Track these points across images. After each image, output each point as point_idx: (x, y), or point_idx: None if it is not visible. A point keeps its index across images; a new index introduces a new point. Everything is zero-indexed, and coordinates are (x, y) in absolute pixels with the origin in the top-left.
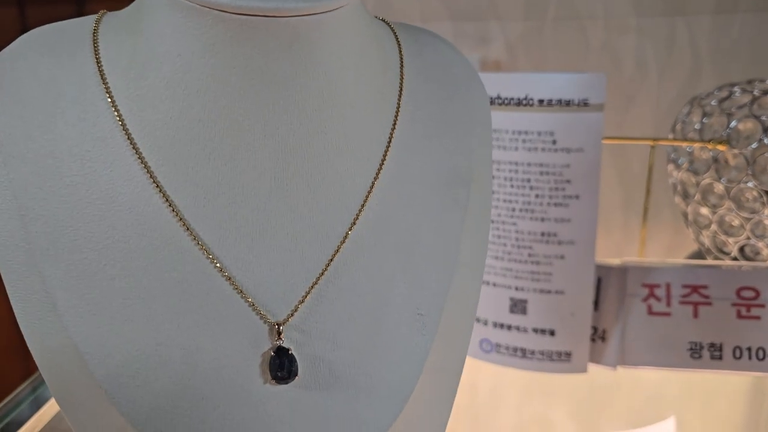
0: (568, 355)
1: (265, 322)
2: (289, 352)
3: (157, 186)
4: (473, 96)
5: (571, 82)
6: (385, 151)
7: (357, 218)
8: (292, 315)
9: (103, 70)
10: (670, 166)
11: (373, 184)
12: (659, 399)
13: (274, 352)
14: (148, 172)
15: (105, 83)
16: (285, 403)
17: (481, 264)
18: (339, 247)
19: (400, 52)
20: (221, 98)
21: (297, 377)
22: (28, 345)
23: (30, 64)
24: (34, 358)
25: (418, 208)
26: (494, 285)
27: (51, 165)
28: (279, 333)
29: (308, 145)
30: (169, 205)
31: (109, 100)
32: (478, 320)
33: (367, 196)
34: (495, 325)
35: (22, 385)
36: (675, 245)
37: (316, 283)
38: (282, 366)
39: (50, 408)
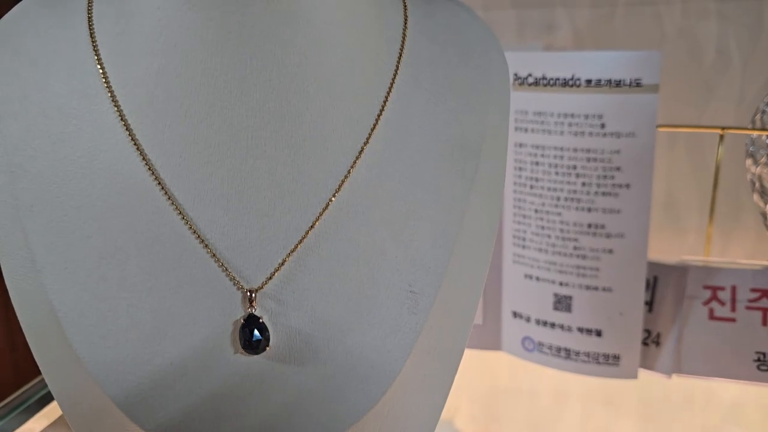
0: (617, 358)
1: (238, 288)
2: (260, 320)
3: (135, 144)
4: (490, 62)
5: (622, 61)
6: (379, 115)
7: (342, 184)
8: (266, 282)
9: (93, 26)
10: (749, 161)
11: (362, 148)
12: (736, 417)
13: (244, 320)
14: (127, 129)
15: (93, 39)
16: (256, 375)
17: (489, 243)
18: (321, 214)
19: (405, 11)
20: (198, 53)
21: (268, 348)
22: (13, 304)
23: (32, 22)
24: (17, 315)
25: (416, 177)
26: (537, 279)
27: (41, 123)
28: (251, 300)
29: (288, 103)
30: (146, 164)
31: (95, 57)
32: (520, 316)
33: (355, 161)
34: (538, 322)
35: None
36: (760, 251)
37: (294, 250)
38: (251, 336)
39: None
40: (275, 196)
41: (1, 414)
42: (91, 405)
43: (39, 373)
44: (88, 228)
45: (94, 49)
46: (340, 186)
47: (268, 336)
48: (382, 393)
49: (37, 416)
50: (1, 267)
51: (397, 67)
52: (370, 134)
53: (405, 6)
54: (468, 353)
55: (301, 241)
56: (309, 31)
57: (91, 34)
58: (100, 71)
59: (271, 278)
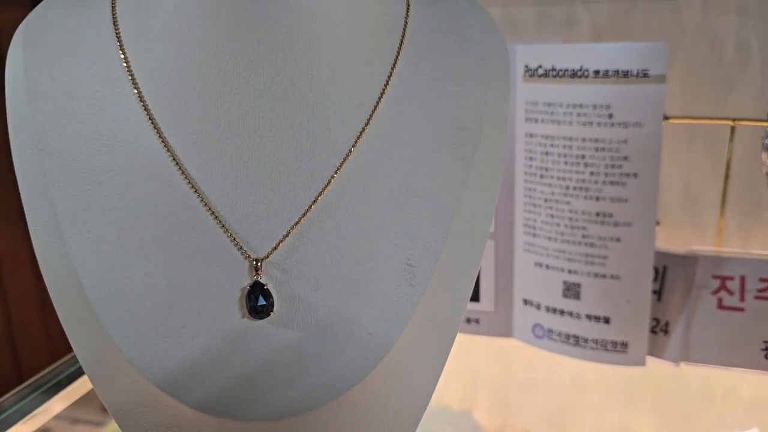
0: (625, 345)
1: (245, 257)
2: (265, 287)
3: (153, 123)
4: (489, 50)
5: (630, 52)
6: (379, 98)
7: (344, 162)
8: (272, 252)
9: (116, 13)
10: (764, 155)
11: (363, 129)
12: (755, 407)
13: (250, 287)
14: (145, 110)
15: (116, 26)
16: (261, 339)
17: (486, 223)
18: (323, 190)
19: (408, 1)
20: (210, 37)
21: (273, 314)
22: (42, 272)
23: (59, 13)
24: (45, 281)
25: (415, 158)
26: (547, 267)
27: (68, 104)
28: (257, 269)
29: (293, 86)
30: (162, 142)
31: (118, 43)
32: (530, 304)
33: (356, 141)
34: (548, 309)
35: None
36: None
37: (297, 222)
38: (256, 301)
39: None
40: (280, 172)
41: (24, 394)
42: (109, 364)
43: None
44: (109, 201)
45: (116, 36)
46: (341, 164)
47: (272, 302)
48: (380, 359)
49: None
50: (33, 239)
51: (398, 53)
52: (370, 116)
53: None
54: (485, 344)
55: (304, 215)
56: (313, 18)
57: (114, 21)
58: (122, 56)
59: (276, 248)
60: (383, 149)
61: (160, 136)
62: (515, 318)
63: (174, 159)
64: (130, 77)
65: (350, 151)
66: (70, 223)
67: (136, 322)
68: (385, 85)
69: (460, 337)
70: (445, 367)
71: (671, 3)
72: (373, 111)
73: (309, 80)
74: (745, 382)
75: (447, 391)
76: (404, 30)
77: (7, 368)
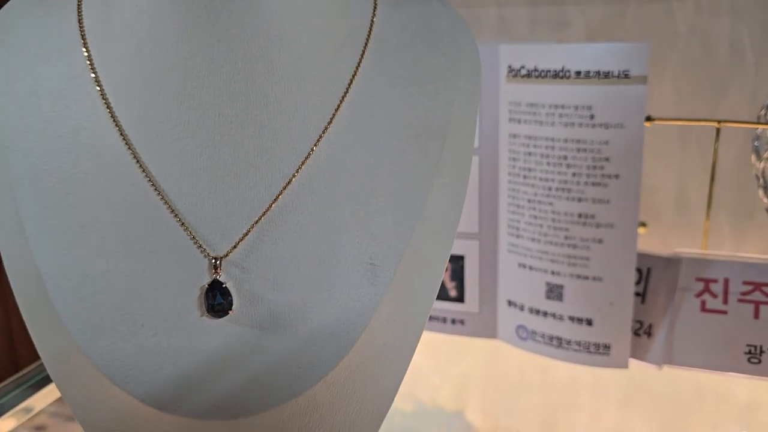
0: (607, 347)
1: (205, 256)
2: (224, 285)
3: (115, 122)
4: (459, 50)
5: (611, 52)
6: (343, 97)
7: (305, 161)
8: (231, 251)
9: (81, 13)
10: (753, 157)
11: (326, 128)
12: (751, 411)
13: (208, 285)
14: (108, 108)
15: (81, 26)
16: (220, 337)
17: (453, 223)
18: (284, 189)
19: (376, 0)
20: (169, 36)
21: (232, 312)
22: (6, 268)
23: (23, 11)
24: (8, 278)
25: (379, 157)
26: (530, 268)
27: (32, 102)
28: (216, 267)
29: (254, 84)
30: (124, 140)
31: (82, 41)
32: (514, 305)
33: (318, 140)
34: (531, 310)
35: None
36: None
37: (257, 221)
38: (214, 300)
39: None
40: (241, 170)
41: (5, 391)
42: (69, 361)
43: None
44: (71, 198)
45: (81, 35)
46: (302, 163)
47: (231, 301)
48: (340, 358)
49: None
50: None
51: (363, 52)
52: (333, 115)
53: None
54: (477, 345)
55: (264, 214)
56: (273, 16)
57: (79, 20)
58: (86, 54)
59: (235, 247)
60: (346, 148)
61: (122, 135)
62: (499, 319)
63: (135, 157)
64: (93, 76)
65: (312, 150)
66: (33, 221)
67: (95, 319)
68: (349, 84)
69: (452, 339)
70: (438, 368)
71: (664, 4)
72: (337, 109)
73: (269, 78)
74: (735, 385)
75: (440, 391)
76: (370, 29)
77: (3, 359)
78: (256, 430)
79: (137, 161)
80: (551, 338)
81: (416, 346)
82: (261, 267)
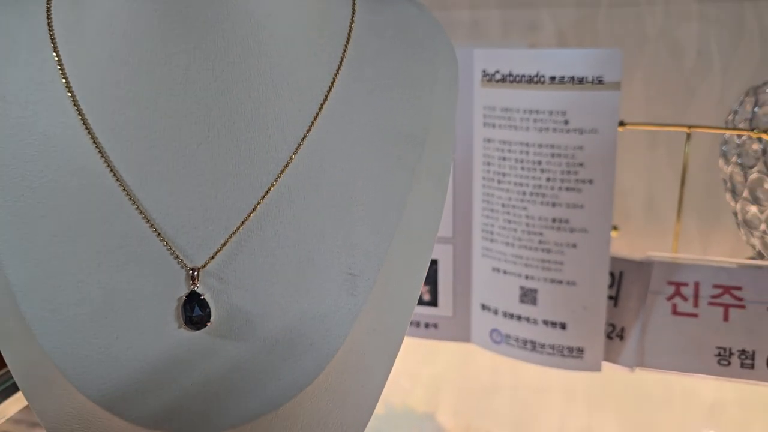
0: (581, 351)
1: (182, 266)
2: (201, 297)
3: (87, 128)
4: (436, 56)
5: (585, 58)
6: (321, 104)
7: (284, 170)
8: (209, 262)
9: (51, 16)
10: (721, 161)
11: (304, 136)
12: (716, 410)
13: (186, 297)
14: (80, 114)
15: (50, 29)
16: (198, 350)
17: (432, 230)
18: (262, 198)
19: (354, 6)
20: (145, 42)
21: (210, 324)
22: None
23: None
24: None
25: (356, 165)
26: (504, 272)
27: (0, 108)
28: (194, 278)
29: (230, 92)
30: (97, 147)
31: (52, 45)
32: (488, 309)
33: (296, 149)
34: (505, 314)
35: None
36: (738, 251)
37: (236, 231)
38: (193, 311)
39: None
40: (217, 179)
41: None
42: (41, 376)
43: None
44: (42, 208)
45: (51, 38)
46: (281, 172)
47: (209, 312)
48: (320, 369)
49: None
50: None
51: (342, 59)
52: (312, 123)
53: (354, 2)
54: (449, 348)
55: (242, 223)
56: (250, 23)
57: (49, 23)
58: (56, 59)
59: (213, 257)
60: (324, 156)
61: (94, 142)
62: (473, 323)
63: (108, 165)
64: (64, 80)
65: (291, 158)
66: (1, 231)
67: (69, 333)
68: (328, 91)
69: (423, 342)
70: (409, 371)
71: (634, 9)
72: (315, 117)
73: (247, 86)
74: (703, 386)
75: (412, 394)
76: (348, 35)
77: None
78: None
79: (110, 169)
80: (525, 342)
81: (397, 355)
82: (239, 277)
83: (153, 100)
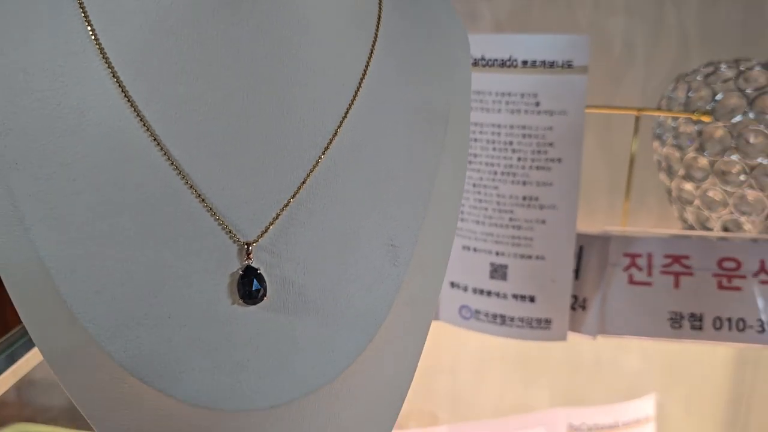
0: (548, 322)
1: (234, 241)
2: (258, 272)
3: (129, 100)
4: (453, 37)
5: (555, 44)
6: (361, 80)
7: (330, 143)
8: (262, 236)
9: None
10: (656, 143)
11: (347, 110)
12: (643, 375)
13: (242, 272)
14: (119, 86)
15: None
16: (252, 325)
17: (456, 203)
18: (312, 171)
19: None
20: (192, 13)
21: (266, 299)
22: None
23: None
24: (1, 277)
25: (392, 140)
26: (475, 250)
27: (22, 80)
28: (248, 253)
29: (281, 65)
30: (140, 120)
31: (83, 14)
32: (458, 286)
33: (341, 122)
34: (475, 291)
35: None
36: (662, 225)
37: (287, 204)
38: (250, 286)
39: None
40: (267, 153)
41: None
42: (87, 362)
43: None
44: (78, 184)
45: (81, 8)
46: (328, 145)
47: (266, 286)
48: (369, 340)
49: None
50: None
51: (376, 35)
52: (353, 98)
53: None
54: None
55: (293, 196)
56: (295, 1)
57: None
58: (89, 29)
59: (266, 231)
60: (365, 131)
61: (137, 114)
62: (442, 301)
63: (155, 139)
64: (99, 52)
65: (336, 131)
66: (33, 209)
67: (116, 314)
68: (365, 67)
69: None
70: None
71: (566, 2)
72: (356, 93)
73: (296, 60)
74: (626, 354)
75: None
76: (379, 13)
77: None
78: (291, 419)
79: (157, 143)
80: (495, 316)
81: (431, 323)
82: (291, 251)
83: (202, 73)
